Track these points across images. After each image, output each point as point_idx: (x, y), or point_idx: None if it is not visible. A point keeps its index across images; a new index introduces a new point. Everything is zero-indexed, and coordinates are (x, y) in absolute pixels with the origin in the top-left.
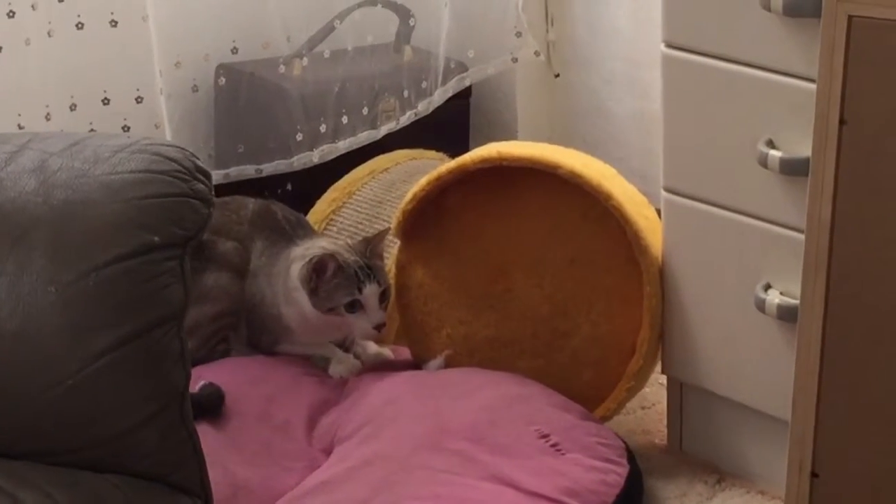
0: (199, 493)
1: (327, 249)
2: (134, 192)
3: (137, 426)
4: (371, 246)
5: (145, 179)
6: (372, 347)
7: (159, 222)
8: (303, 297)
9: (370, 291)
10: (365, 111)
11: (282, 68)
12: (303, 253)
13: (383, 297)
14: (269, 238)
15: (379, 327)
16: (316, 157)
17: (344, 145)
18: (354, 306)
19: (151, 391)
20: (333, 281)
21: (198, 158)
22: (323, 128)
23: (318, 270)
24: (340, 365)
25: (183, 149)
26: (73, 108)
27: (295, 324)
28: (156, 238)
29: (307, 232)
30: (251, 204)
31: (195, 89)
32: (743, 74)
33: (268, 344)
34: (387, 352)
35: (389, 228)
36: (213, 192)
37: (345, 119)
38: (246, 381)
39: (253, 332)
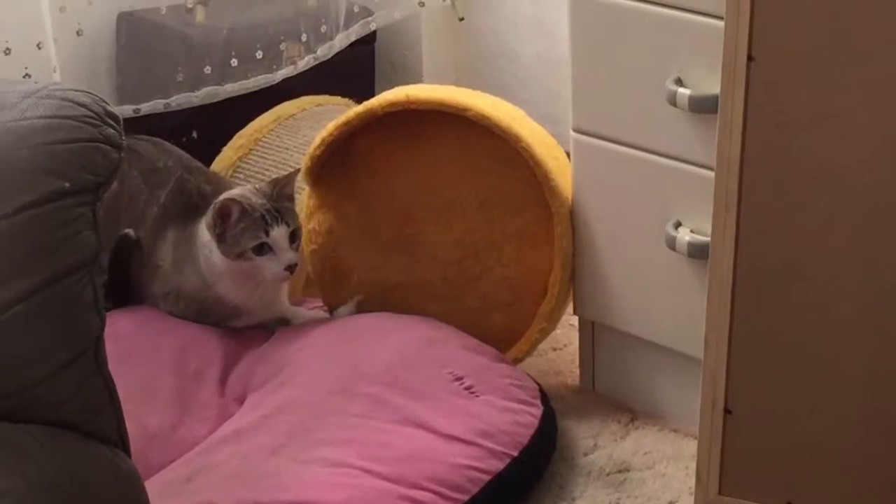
0: (116, 441)
1: (231, 195)
2: (43, 138)
3: (52, 375)
4: (279, 188)
5: (54, 125)
6: (303, 313)
7: (69, 168)
8: (217, 253)
9: (278, 233)
10: (259, 55)
11: (164, 10)
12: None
13: (293, 237)
14: (182, 223)
15: (291, 268)
16: (197, 98)
17: (233, 88)
18: (263, 249)
19: (65, 339)
20: (239, 225)
21: (107, 103)
22: (208, 70)
23: (223, 215)
24: None
25: (92, 94)
26: None
27: (238, 298)
28: (66, 184)
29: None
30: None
31: (80, 33)
32: (650, 12)
33: (215, 322)
34: (321, 313)
35: (299, 170)
36: (123, 137)
37: (234, 62)
38: (158, 331)
39: (198, 314)
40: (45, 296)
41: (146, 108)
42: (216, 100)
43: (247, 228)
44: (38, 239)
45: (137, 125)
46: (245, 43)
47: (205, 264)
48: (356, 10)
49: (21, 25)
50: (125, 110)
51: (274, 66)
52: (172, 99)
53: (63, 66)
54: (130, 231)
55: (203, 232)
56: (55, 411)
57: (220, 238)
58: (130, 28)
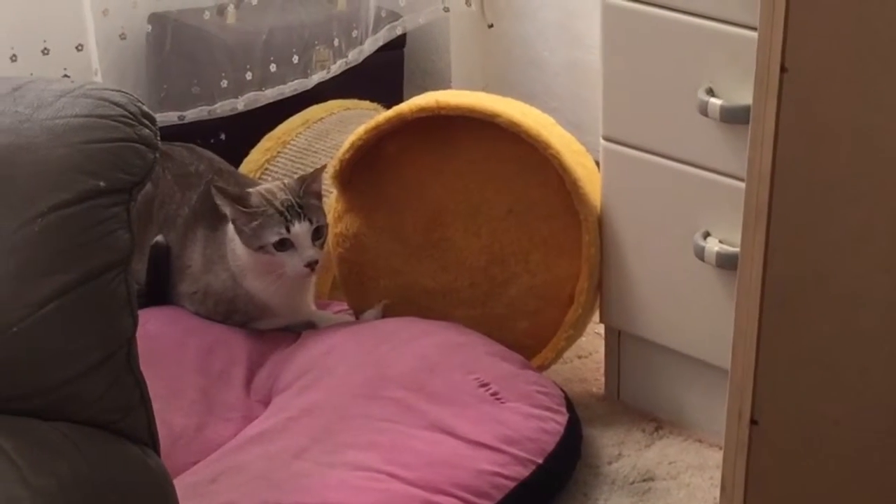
0: (146, 439)
1: (251, 190)
2: (78, 137)
3: (85, 373)
4: (306, 184)
5: (90, 124)
6: (329, 317)
7: (104, 167)
8: (240, 245)
9: (300, 229)
10: (295, 59)
11: (207, 13)
12: None
13: (317, 234)
14: (211, 224)
15: (311, 265)
16: (241, 104)
17: (272, 93)
18: (285, 245)
19: (98, 338)
20: (258, 220)
21: (143, 103)
22: (249, 76)
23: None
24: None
25: (128, 93)
26: (13, 59)
27: (265, 294)
28: (101, 183)
29: None
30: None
31: (123, 37)
32: (683, 22)
33: (241, 322)
34: (346, 317)
35: (325, 167)
36: (158, 137)
37: (273, 67)
38: (184, 330)
39: (226, 314)
40: (79, 294)
41: (191, 114)
42: (257, 105)
43: (267, 223)
44: (73, 237)
45: (166, 126)
46: (282, 47)
47: (231, 258)
48: (383, 14)
49: (61, 27)
50: (170, 117)
51: (308, 71)
52: (217, 105)
53: (105, 69)
54: (161, 238)
55: (231, 228)
56: (87, 409)
57: (240, 231)
58: (163, 29)
